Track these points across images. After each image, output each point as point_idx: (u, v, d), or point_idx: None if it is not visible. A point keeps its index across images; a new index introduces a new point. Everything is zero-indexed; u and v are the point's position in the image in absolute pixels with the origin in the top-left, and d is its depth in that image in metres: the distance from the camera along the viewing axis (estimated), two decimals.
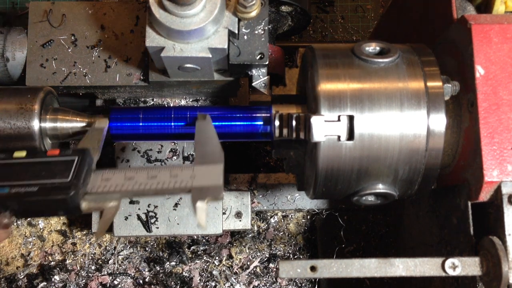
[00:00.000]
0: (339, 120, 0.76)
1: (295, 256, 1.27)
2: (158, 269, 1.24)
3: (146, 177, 0.75)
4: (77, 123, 0.89)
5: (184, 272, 1.24)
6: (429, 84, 0.78)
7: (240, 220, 1.11)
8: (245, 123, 0.90)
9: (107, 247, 1.26)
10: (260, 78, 0.97)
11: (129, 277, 1.24)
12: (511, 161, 0.73)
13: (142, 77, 1.02)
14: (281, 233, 1.28)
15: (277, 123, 0.84)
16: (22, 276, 1.24)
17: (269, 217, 1.28)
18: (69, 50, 1.02)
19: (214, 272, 1.25)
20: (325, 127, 0.75)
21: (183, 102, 1.10)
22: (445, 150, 0.80)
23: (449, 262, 0.71)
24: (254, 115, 0.89)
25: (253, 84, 0.97)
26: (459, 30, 0.80)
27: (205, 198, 0.71)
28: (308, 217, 1.28)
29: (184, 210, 1.06)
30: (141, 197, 1.05)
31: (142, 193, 0.75)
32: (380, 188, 0.81)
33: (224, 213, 1.10)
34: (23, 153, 0.79)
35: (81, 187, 0.73)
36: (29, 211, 0.75)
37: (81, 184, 0.74)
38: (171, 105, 1.09)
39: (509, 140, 0.73)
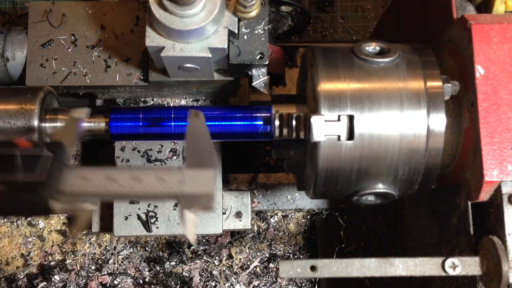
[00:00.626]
0: (339, 120, 0.76)
1: (295, 256, 1.27)
2: (158, 269, 1.24)
3: (129, 178, 0.66)
4: None
5: (184, 272, 1.24)
6: (429, 84, 0.78)
7: (240, 220, 1.11)
8: (245, 123, 0.90)
9: (107, 247, 1.26)
10: (260, 78, 0.97)
11: (129, 277, 1.24)
12: (511, 161, 0.73)
13: (142, 77, 1.02)
14: (281, 233, 1.28)
15: (277, 123, 0.84)
16: (22, 276, 1.24)
17: (269, 217, 1.28)
18: (69, 50, 1.02)
19: (214, 272, 1.24)
20: (325, 127, 0.75)
21: (183, 102, 1.10)
22: (445, 150, 0.80)
23: (449, 261, 0.71)
24: (254, 115, 0.89)
25: (253, 84, 0.97)
26: (459, 30, 0.80)
27: (195, 208, 0.64)
28: (308, 217, 1.28)
29: None
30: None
31: (123, 196, 0.67)
32: (380, 188, 0.81)
33: (224, 213, 1.10)
34: None
35: (53, 186, 0.65)
36: None
37: (53, 183, 0.65)
38: (171, 105, 1.09)
39: (509, 140, 0.73)
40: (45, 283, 1.23)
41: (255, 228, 1.27)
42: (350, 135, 0.76)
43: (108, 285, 1.24)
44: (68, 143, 0.72)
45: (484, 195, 0.74)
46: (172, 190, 0.65)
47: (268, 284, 1.25)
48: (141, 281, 1.24)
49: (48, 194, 0.65)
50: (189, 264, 1.24)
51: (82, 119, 0.78)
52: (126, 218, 1.05)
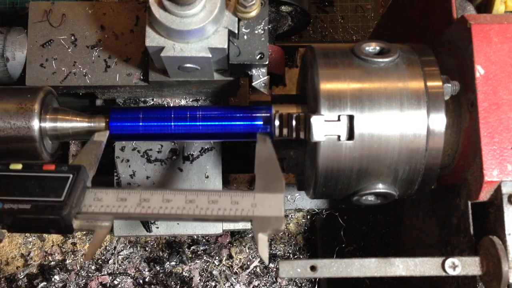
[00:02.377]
0: (339, 120, 0.76)
1: (295, 256, 1.27)
2: (158, 269, 1.24)
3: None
4: (77, 123, 0.89)
5: (184, 272, 1.24)
6: (429, 84, 0.79)
7: None
8: (245, 123, 0.90)
9: (107, 247, 1.26)
10: (260, 78, 0.97)
11: (129, 277, 1.24)
12: (511, 161, 0.73)
13: (142, 77, 1.02)
14: (281, 233, 1.28)
15: (277, 123, 0.84)
16: (22, 276, 1.24)
17: None
18: (69, 50, 1.02)
19: (214, 272, 1.25)
20: (325, 127, 0.75)
21: (183, 102, 1.10)
22: (445, 150, 0.80)
23: (449, 261, 0.71)
24: (254, 115, 0.89)
25: (253, 84, 0.97)
26: (459, 30, 0.80)
27: (267, 230, 0.69)
28: (308, 217, 1.28)
29: None
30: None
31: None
32: (380, 188, 0.81)
33: None
34: (19, 166, 0.77)
35: (73, 207, 0.72)
36: (21, 227, 0.74)
37: (73, 203, 0.72)
38: (171, 105, 1.09)
39: (509, 140, 0.73)
40: (45, 283, 1.23)
41: None
42: (350, 135, 0.76)
43: (108, 285, 1.24)
44: (89, 166, 0.79)
45: (484, 195, 0.74)
46: (245, 213, 0.71)
47: (268, 284, 1.25)
48: (141, 281, 1.24)
49: (68, 214, 0.71)
50: (189, 264, 1.24)
51: (103, 141, 0.86)
52: None
